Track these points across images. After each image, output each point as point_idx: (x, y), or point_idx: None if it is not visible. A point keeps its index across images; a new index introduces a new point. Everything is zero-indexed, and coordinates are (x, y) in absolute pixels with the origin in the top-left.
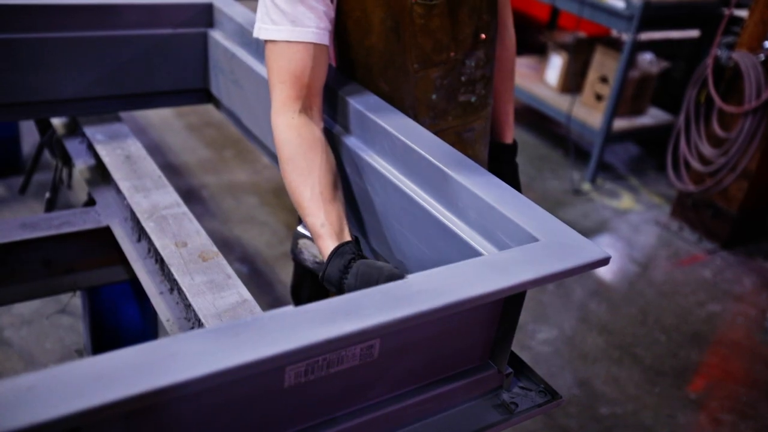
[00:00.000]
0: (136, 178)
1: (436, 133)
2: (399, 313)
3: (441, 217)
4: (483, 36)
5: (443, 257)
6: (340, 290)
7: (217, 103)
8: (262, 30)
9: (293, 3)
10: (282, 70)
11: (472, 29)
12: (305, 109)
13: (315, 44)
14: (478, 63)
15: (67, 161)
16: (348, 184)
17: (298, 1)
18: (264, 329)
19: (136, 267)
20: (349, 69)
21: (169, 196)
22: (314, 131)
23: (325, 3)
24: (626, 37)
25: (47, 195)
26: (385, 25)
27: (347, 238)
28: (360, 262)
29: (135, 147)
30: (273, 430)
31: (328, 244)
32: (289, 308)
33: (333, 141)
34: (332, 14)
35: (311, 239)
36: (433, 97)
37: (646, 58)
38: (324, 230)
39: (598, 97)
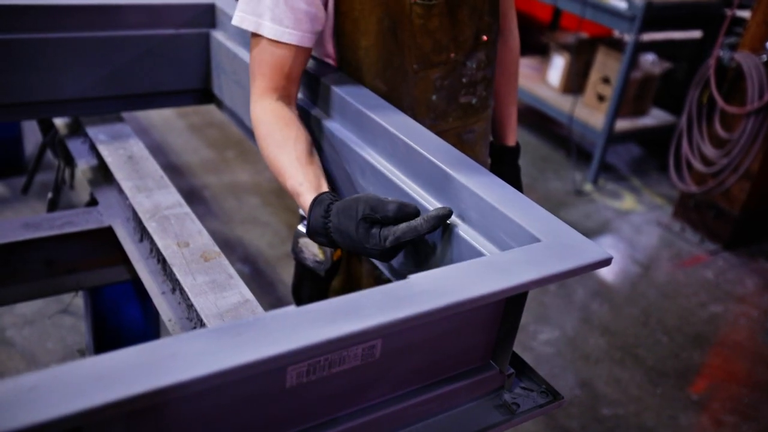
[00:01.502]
0: (139, 178)
1: (436, 135)
2: (401, 313)
3: None
4: (484, 38)
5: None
6: (327, 237)
7: (219, 104)
8: (245, 20)
9: (278, 2)
10: (264, 63)
11: (473, 30)
12: (282, 98)
13: (297, 46)
14: (479, 64)
15: (70, 161)
16: (349, 184)
17: (283, 1)
18: (266, 329)
19: (138, 267)
20: (348, 69)
21: (171, 197)
22: (289, 113)
23: (315, 5)
24: (628, 38)
25: (49, 195)
26: (383, 25)
27: (325, 190)
28: (338, 202)
29: (137, 147)
30: (274, 430)
31: (307, 198)
32: (291, 308)
33: (333, 140)
34: (322, 15)
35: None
36: (433, 98)
37: (649, 58)
38: (303, 188)
39: (600, 98)
